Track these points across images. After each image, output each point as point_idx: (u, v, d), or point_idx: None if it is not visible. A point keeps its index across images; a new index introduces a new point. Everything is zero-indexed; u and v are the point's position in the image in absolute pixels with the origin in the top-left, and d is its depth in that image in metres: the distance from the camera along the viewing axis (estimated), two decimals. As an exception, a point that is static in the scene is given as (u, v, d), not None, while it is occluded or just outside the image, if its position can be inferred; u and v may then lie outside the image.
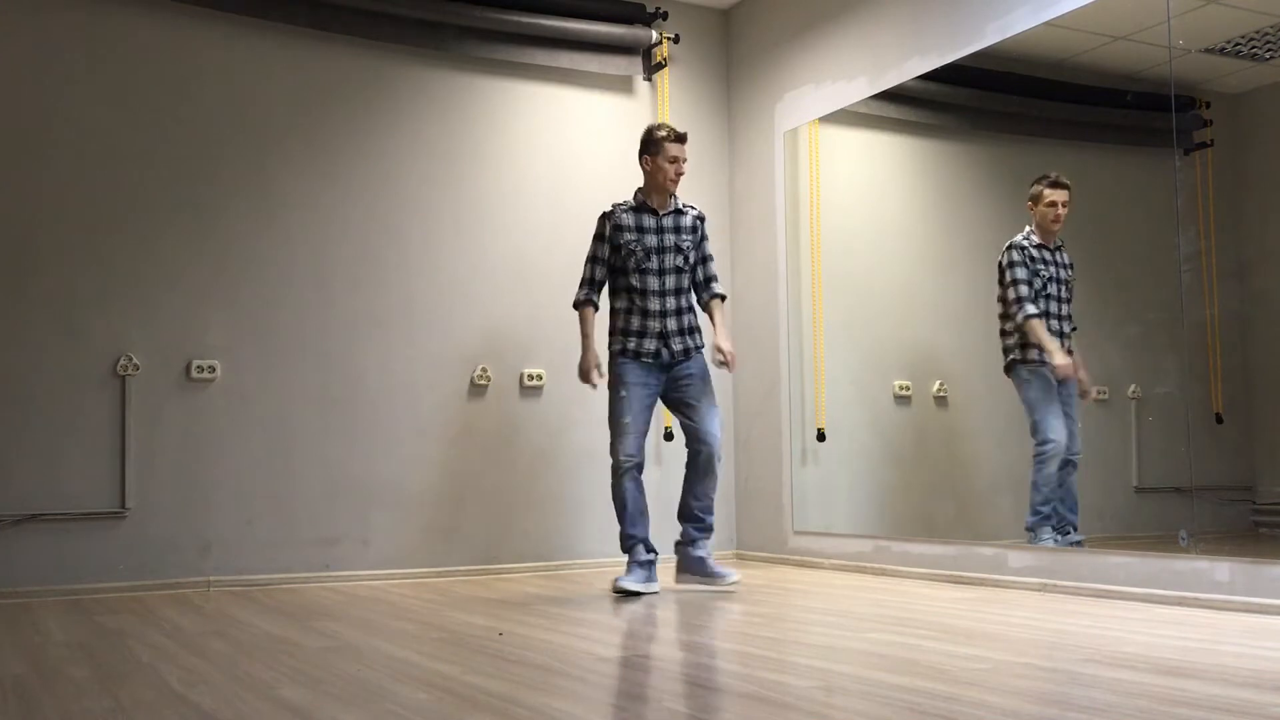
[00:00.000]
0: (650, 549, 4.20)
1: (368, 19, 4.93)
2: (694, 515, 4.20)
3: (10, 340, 4.31)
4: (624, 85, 5.60)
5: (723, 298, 4.38)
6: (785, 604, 3.87)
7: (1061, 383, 4.33)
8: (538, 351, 5.25)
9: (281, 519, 4.68)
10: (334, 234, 4.89)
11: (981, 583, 4.27)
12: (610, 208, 4.31)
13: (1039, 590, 4.03)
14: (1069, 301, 4.40)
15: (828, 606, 3.72)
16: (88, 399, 4.41)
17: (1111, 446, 4.41)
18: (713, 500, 4.21)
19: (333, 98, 4.93)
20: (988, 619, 3.35)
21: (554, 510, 5.22)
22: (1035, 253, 4.38)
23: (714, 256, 4.42)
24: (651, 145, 4.23)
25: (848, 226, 5.32)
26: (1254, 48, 4.02)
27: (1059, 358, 4.30)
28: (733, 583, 4.11)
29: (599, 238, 4.28)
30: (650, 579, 4.16)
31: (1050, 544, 4.15)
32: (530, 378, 5.22)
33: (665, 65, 5.60)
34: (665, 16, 5.56)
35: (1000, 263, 4.47)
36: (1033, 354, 4.37)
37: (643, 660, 2.76)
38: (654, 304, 4.19)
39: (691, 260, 4.28)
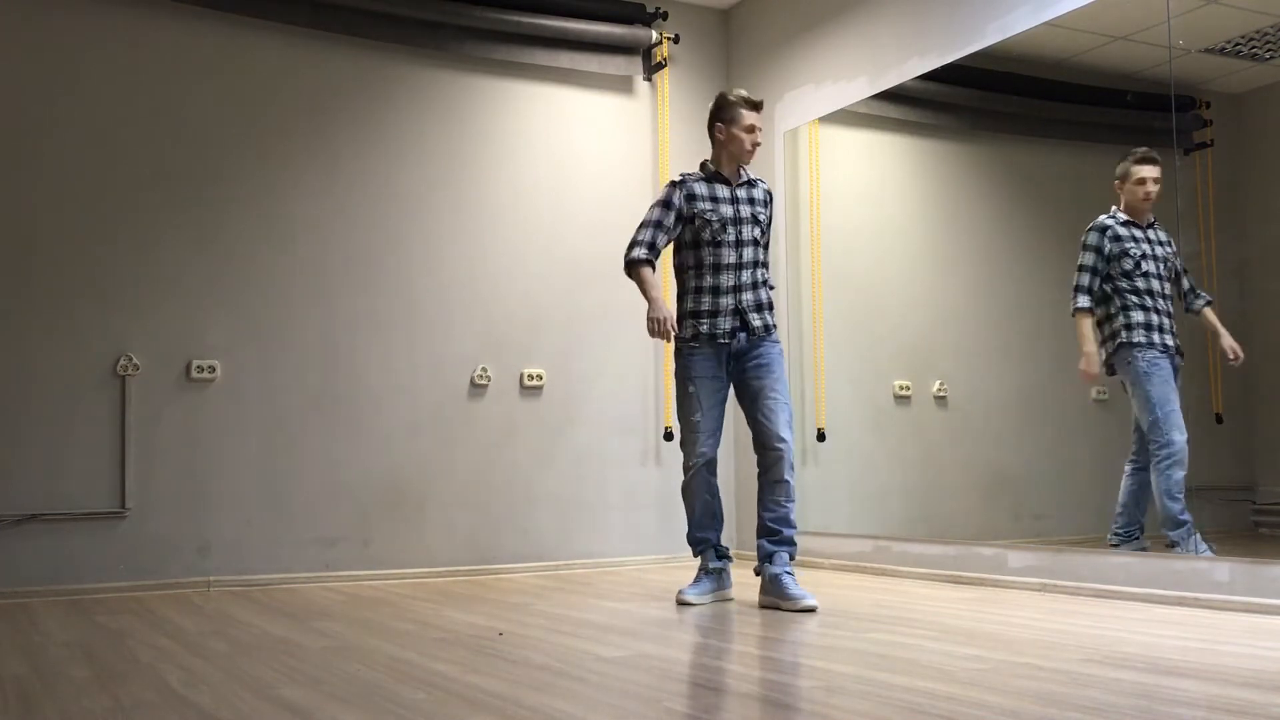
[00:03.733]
0: (722, 554, 3.96)
1: (368, 19, 4.94)
2: (766, 527, 3.80)
3: (10, 340, 4.31)
4: (624, 85, 5.60)
5: (771, 288, 4.01)
6: (785, 604, 3.86)
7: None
8: (538, 351, 5.25)
9: (281, 519, 4.68)
10: (334, 233, 4.89)
11: (981, 583, 4.27)
12: (679, 177, 3.95)
13: (1039, 590, 4.03)
14: (1172, 280, 4.10)
15: (828, 606, 3.71)
16: (88, 399, 4.41)
17: (1112, 446, 4.41)
18: (788, 510, 3.80)
19: (333, 97, 4.93)
20: (988, 619, 3.35)
21: (554, 510, 5.22)
22: (1123, 230, 4.10)
23: (770, 242, 4.06)
24: (726, 111, 3.87)
25: (848, 226, 5.32)
26: (1254, 48, 4.02)
27: (1086, 360, 4.12)
28: (808, 606, 3.60)
29: (666, 205, 3.88)
30: (721, 586, 3.94)
31: (1209, 553, 3.77)
32: (530, 378, 5.22)
33: (665, 65, 5.60)
34: (665, 16, 5.56)
35: (1082, 242, 4.21)
36: (1154, 336, 4.04)
37: (643, 660, 2.76)
38: (728, 279, 3.84)
39: (766, 234, 3.97)
